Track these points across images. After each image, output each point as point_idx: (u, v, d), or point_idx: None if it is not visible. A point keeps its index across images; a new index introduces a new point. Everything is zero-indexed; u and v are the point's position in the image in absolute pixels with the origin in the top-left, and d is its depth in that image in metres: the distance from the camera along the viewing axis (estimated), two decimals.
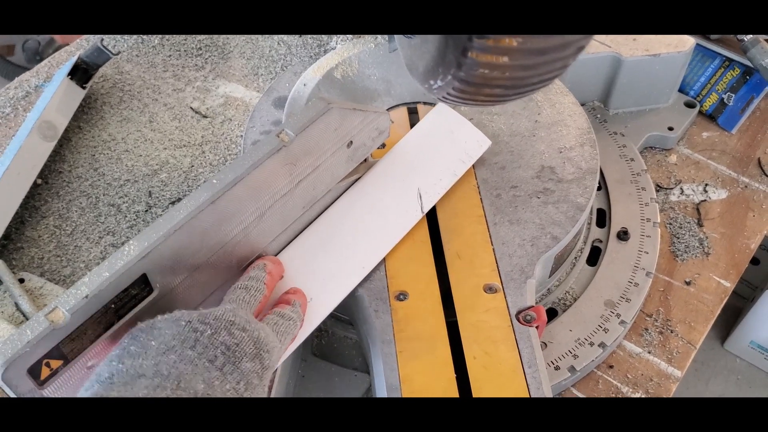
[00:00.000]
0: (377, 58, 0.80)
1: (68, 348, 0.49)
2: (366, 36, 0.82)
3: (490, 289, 0.64)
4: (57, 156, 0.88)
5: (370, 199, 0.68)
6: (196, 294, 0.58)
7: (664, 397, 0.70)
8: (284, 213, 0.62)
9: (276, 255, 0.64)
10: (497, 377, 0.59)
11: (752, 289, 1.64)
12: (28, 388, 0.48)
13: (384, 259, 0.66)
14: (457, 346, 0.61)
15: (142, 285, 0.52)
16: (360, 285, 0.64)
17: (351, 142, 0.65)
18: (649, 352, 0.73)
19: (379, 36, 0.81)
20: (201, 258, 0.56)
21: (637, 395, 0.70)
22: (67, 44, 1.04)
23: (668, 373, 0.71)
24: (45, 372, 0.49)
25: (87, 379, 0.50)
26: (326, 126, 0.61)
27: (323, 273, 0.63)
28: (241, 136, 0.90)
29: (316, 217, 0.67)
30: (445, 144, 0.72)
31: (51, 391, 0.50)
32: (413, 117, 0.78)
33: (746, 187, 0.87)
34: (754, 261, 1.62)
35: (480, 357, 0.60)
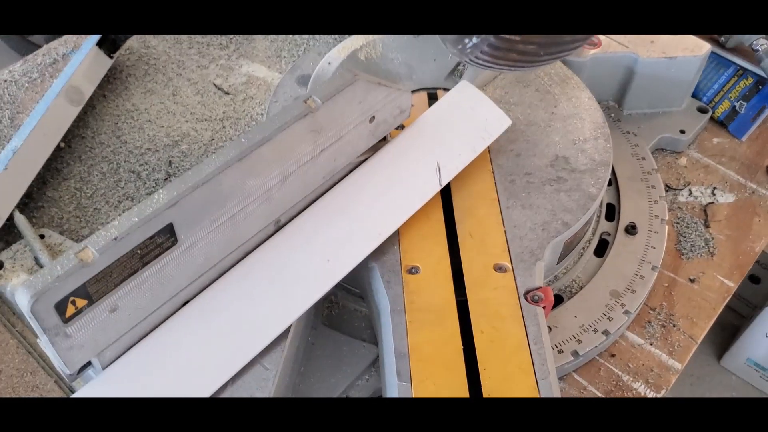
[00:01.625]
0: (401, 43, 0.82)
1: (94, 288, 0.51)
2: None
3: (500, 268, 0.66)
4: (81, 122, 0.89)
5: (390, 169, 0.69)
6: (216, 251, 0.60)
7: (664, 388, 0.71)
8: (305, 180, 0.64)
9: (293, 218, 0.66)
10: (503, 351, 0.60)
11: (751, 308, 1.66)
12: (53, 323, 0.49)
13: (398, 234, 0.68)
14: (465, 320, 0.63)
15: (167, 234, 0.54)
16: (374, 257, 0.66)
17: (373, 117, 0.67)
18: (651, 344, 0.74)
19: None
20: (224, 214, 0.58)
21: (637, 384, 0.71)
22: None
23: (669, 365, 0.73)
24: (70, 309, 0.50)
25: (108, 321, 0.52)
26: (351, 97, 0.63)
27: (341, 235, 0.65)
28: (262, 114, 0.92)
29: (334, 186, 0.68)
30: (466, 120, 0.74)
31: (74, 330, 0.51)
32: (433, 102, 0.80)
33: (753, 192, 0.88)
34: (755, 280, 1.64)
35: (487, 331, 0.62)
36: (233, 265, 0.62)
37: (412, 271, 0.66)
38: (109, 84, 0.94)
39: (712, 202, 0.87)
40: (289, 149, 0.60)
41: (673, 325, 0.76)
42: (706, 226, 0.85)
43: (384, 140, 0.72)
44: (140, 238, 0.52)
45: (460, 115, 0.74)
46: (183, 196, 0.53)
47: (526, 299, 0.64)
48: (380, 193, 0.68)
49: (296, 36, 1.02)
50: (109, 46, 0.92)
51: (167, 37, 1.02)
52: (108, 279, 0.51)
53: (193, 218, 0.55)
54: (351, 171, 0.69)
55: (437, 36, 0.55)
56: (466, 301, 0.64)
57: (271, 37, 1.02)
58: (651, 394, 0.71)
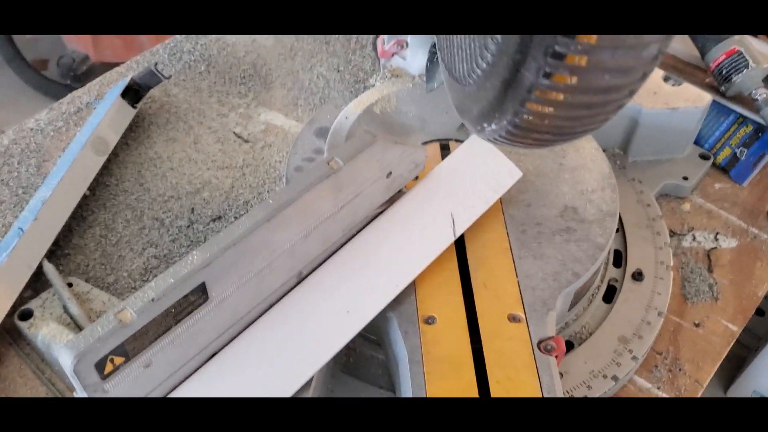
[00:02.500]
0: (414, 97, 0.85)
1: (131, 346, 0.54)
2: (404, 76, 0.88)
3: (513, 318, 0.69)
4: (105, 170, 0.93)
5: (406, 221, 0.72)
6: (242, 305, 0.62)
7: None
8: (326, 234, 0.67)
9: (314, 270, 0.69)
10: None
11: (757, 339, 1.68)
12: (93, 381, 0.52)
13: (414, 284, 0.71)
14: (481, 370, 0.65)
15: (200, 293, 0.57)
16: (391, 308, 0.68)
17: (390, 172, 0.70)
18: (659, 388, 0.77)
19: (416, 77, 0.87)
20: (251, 270, 0.61)
21: None
22: (102, 62, 1.10)
23: None
24: (109, 367, 0.53)
25: (142, 376, 0.55)
26: (370, 157, 0.66)
27: (360, 287, 0.68)
28: (280, 161, 0.95)
29: (352, 238, 0.71)
30: (478, 173, 0.77)
31: (111, 386, 0.54)
32: (445, 153, 0.83)
33: (755, 237, 0.91)
34: (760, 312, 1.66)
35: (503, 381, 0.65)
36: (257, 318, 0.65)
37: (429, 321, 0.69)
38: (132, 132, 0.98)
39: (715, 247, 0.90)
40: (312, 207, 0.63)
41: (680, 369, 0.78)
42: (710, 271, 0.88)
43: (399, 192, 0.75)
44: (175, 298, 0.55)
45: (473, 167, 0.78)
46: (216, 257, 0.56)
47: (539, 349, 0.67)
48: (397, 245, 0.71)
49: (312, 85, 1.05)
50: (132, 96, 0.96)
51: (188, 85, 1.06)
52: (144, 337, 0.54)
53: (223, 276, 0.58)
54: (368, 223, 0.72)
55: (454, 106, 0.58)
56: (481, 349, 0.67)
57: (288, 85, 1.06)
58: None
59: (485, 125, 0.49)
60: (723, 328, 0.82)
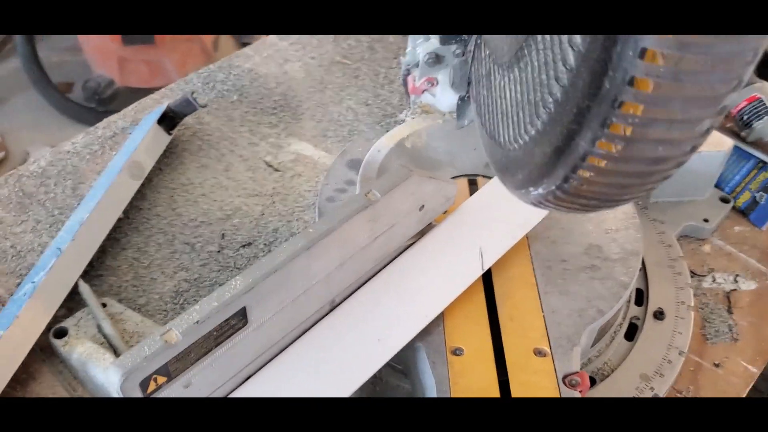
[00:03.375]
0: (444, 133, 0.88)
1: (174, 367, 0.56)
2: (434, 113, 0.91)
3: (539, 352, 0.70)
4: (138, 194, 0.95)
5: (436, 253, 0.74)
6: (278, 330, 0.64)
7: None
8: (360, 264, 0.69)
9: (346, 299, 0.70)
10: None
11: None
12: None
13: (443, 316, 0.72)
14: None
15: (240, 317, 0.59)
16: (420, 338, 0.70)
17: (423, 206, 0.72)
18: None
19: (447, 113, 0.89)
20: (289, 297, 0.62)
21: None
22: (127, 86, 1.13)
23: None
24: (152, 386, 0.55)
25: (182, 396, 0.56)
26: (405, 190, 0.68)
27: (390, 316, 0.69)
28: (309, 190, 0.97)
29: (383, 268, 0.73)
30: (506, 208, 0.79)
31: None
32: (473, 188, 0.86)
33: None
34: None
35: None
36: (291, 343, 0.67)
37: (457, 352, 0.70)
38: (165, 158, 1.01)
39: (735, 289, 0.92)
40: (349, 237, 0.65)
41: None
42: (730, 312, 0.89)
43: (429, 225, 0.77)
44: (217, 321, 0.57)
45: (501, 203, 0.80)
46: (257, 283, 0.58)
47: (564, 383, 0.68)
48: (427, 277, 0.73)
49: (341, 117, 1.08)
50: (168, 123, 0.99)
51: (220, 114, 1.09)
52: (186, 358, 0.56)
53: (263, 301, 0.60)
54: (400, 254, 0.74)
55: (494, 168, 0.59)
56: (507, 381, 0.68)
57: (318, 117, 1.09)
58: None
59: (531, 189, 0.48)
60: (743, 369, 0.83)
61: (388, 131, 0.89)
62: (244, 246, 0.91)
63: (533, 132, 0.48)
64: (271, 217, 0.94)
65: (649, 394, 0.77)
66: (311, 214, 0.94)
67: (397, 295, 0.72)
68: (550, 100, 0.45)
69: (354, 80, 1.15)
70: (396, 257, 0.74)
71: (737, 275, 0.93)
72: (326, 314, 0.69)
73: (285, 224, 0.94)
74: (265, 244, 0.91)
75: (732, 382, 0.82)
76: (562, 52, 0.42)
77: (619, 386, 0.77)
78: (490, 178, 0.86)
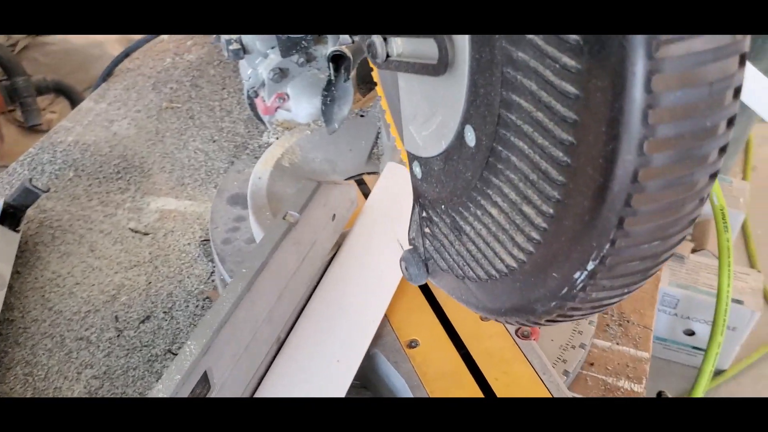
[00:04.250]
0: (316, 142, 0.86)
1: None
2: (296, 126, 0.89)
3: (484, 317, 0.71)
4: (5, 306, 0.84)
5: (360, 260, 0.73)
6: (238, 384, 0.60)
7: (643, 378, 0.79)
8: (295, 292, 0.66)
9: (291, 331, 0.67)
10: (521, 390, 0.65)
11: None
12: None
13: (386, 315, 0.71)
14: (477, 374, 0.67)
15: (204, 383, 0.54)
16: (372, 344, 0.68)
17: (334, 215, 0.70)
18: (617, 343, 0.82)
19: (311, 123, 0.88)
20: (241, 346, 0.58)
21: (621, 382, 0.78)
22: None
23: (639, 357, 0.81)
24: None
25: None
26: (318, 203, 0.66)
27: (340, 334, 0.67)
28: (189, 243, 0.91)
29: (314, 290, 0.71)
30: (405, 195, 0.79)
31: None
32: (363, 187, 0.85)
33: None
34: None
35: (500, 377, 0.67)
36: (254, 392, 0.62)
37: (412, 344, 0.69)
38: (20, 259, 0.90)
39: None
40: (280, 267, 0.62)
41: (627, 321, 0.85)
42: None
43: (341, 234, 0.75)
44: (185, 395, 0.51)
45: (399, 191, 0.79)
46: (212, 341, 0.53)
47: (519, 336, 0.70)
48: (360, 284, 0.71)
49: (192, 161, 1.03)
50: (10, 220, 0.88)
51: (62, 195, 0.99)
52: None
53: (220, 359, 0.55)
54: (324, 271, 0.72)
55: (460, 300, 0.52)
56: (469, 354, 0.68)
57: (168, 168, 1.02)
58: (636, 387, 0.78)
59: (520, 319, 0.43)
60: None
61: (257, 158, 0.86)
62: (143, 321, 0.83)
63: (515, 265, 0.41)
64: (159, 283, 0.87)
65: (585, 323, 0.80)
66: (202, 266, 0.89)
67: (339, 312, 0.69)
68: (540, 227, 0.38)
69: (190, 121, 1.10)
70: (323, 274, 0.71)
71: None
72: (276, 354, 0.65)
73: (177, 285, 0.87)
74: (165, 312, 0.84)
75: (643, 288, 0.88)
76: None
77: (558, 326, 0.80)
78: (375, 173, 0.86)
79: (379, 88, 0.59)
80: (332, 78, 0.81)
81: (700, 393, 1.15)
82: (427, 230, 0.51)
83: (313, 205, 0.64)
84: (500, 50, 0.36)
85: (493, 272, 0.43)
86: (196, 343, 0.53)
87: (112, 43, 2.10)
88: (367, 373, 0.71)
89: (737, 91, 0.32)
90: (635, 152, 0.31)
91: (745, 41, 0.31)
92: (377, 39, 0.46)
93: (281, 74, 0.89)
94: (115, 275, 0.88)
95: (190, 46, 1.25)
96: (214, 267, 0.88)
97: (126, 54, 1.23)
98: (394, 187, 0.80)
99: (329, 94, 0.82)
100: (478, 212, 0.43)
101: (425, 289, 0.74)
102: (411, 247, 0.55)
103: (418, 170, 0.50)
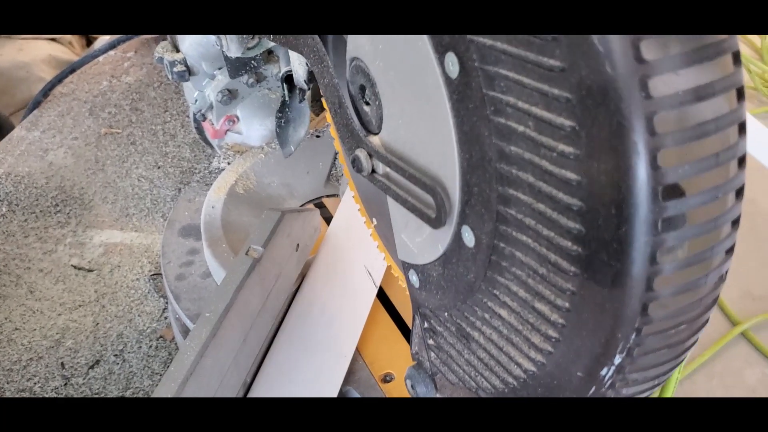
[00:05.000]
0: (271, 166, 0.82)
1: None
2: (247, 150, 0.84)
3: None
4: None
5: (326, 290, 0.69)
6: None
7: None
8: (259, 330, 0.61)
9: (257, 374, 0.62)
10: None
11: None
12: None
13: (357, 349, 0.67)
14: None
15: None
16: (345, 382, 0.64)
17: (298, 245, 0.66)
18: None
19: (264, 146, 0.83)
20: (208, 396, 0.53)
21: None
22: None
23: None
24: None
25: None
26: (281, 234, 0.62)
27: (309, 374, 0.63)
28: (137, 278, 0.86)
29: (279, 326, 0.66)
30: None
31: None
32: (323, 211, 0.81)
33: None
34: None
35: None
36: None
37: (387, 379, 0.65)
38: None
39: None
40: (246, 307, 0.57)
41: None
42: None
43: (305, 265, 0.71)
44: None
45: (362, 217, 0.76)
46: (179, 395, 0.48)
47: None
48: (327, 316, 0.67)
49: (136, 190, 0.97)
50: None
51: None
52: None
53: None
54: (289, 303, 0.68)
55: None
56: None
57: (110, 199, 0.96)
58: None
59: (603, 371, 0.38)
60: None
61: (208, 185, 0.81)
62: (92, 367, 0.77)
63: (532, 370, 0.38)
64: (107, 323, 0.81)
65: None
66: (154, 303, 0.83)
67: (306, 350, 0.65)
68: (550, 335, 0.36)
69: (132, 147, 1.04)
70: (288, 309, 0.67)
71: None
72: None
73: (127, 325, 0.81)
74: (116, 355, 0.78)
75: None
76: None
77: None
78: (335, 196, 0.82)
79: (356, 197, 0.56)
80: (286, 99, 0.77)
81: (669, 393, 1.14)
82: (431, 342, 0.47)
83: (277, 237, 0.60)
84: (490, 147, 0.34)
85: (510, 380, 0.39)
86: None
87: (38, 65, 2.00)
88: None
89: (741, 160, 0.30)
90: (651, 233, 0.29)
91: (742, 109, 0.30)
92: (361, 153, 0.44)
93: (230, 96, 0.84)
94: (59, 317, 0.82)
95: (128, 67, 1.19)
96: (166, 303, 0.83)
97: (59, 79, 1.16)
98: (356, 212, 0.76)
99: (284, 115, 0.78)
100: (486, 315, 0.40)
101: (395, 316, 0.70)
102: (415, 362, 0.51)
103: (415, 279, 0.47)
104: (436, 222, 0.40)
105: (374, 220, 0.53)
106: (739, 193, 0.31)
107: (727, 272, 0.33)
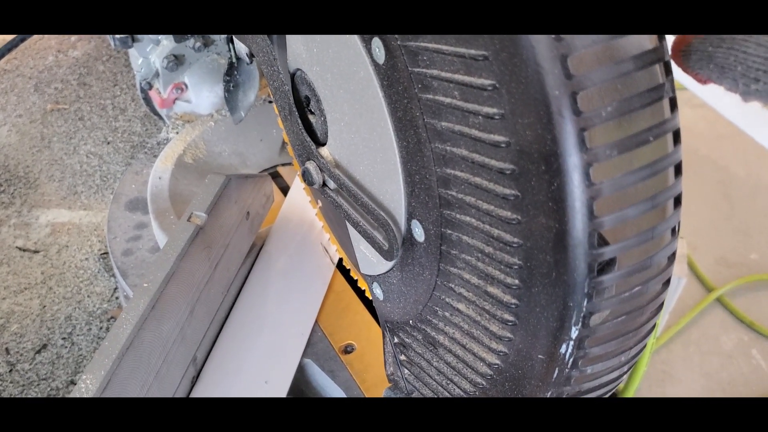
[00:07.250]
0: (222, 134, 0.78)
1: None
2: (197, 118, 0.80)
3: None
4: None
5: (282, 265, 0.65)
6: None
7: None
8: (208, 303, 0.58)
9: (210, 351, 0.59)
10: None
11: None
12: None
13: (317, 321, 0.64)
14: None
15: None
16: (304, 354, 0.61)
17: (248, 212, 0.62)
18: None
19: (214, 114, 0.79)
20: (151, 373, 0.50)
21: None
22: None
23: None
24: None
25: None
26: (228, 199, 0.58)
27: (266, 352, 0.59)
28: (86, 258, 0.81)
29: (234, 302, 0.63)
30: None
31: None
32: (278, 181, 0.77)
33: None
34: None
35: None
36: None
37: (348, 349, 0.62)
38: None
39: None
40: (189, 276, 0.53)
41: None
42: None
43: (259, 237, 0.67)
44: None
45: None
46: (112, 373, 0.45)
47: None
48: (285, 291, 0.64)
49: (85, 166, 0.92)
50: None
51: None
52: None
53: (126, 392, 0.46)
54: (243, 277, 0.64)
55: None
56: None
57: (57, 176, 0.91)
58: None
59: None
60: None
61: (156, 157, 0.77)
62: (38, 351, 0.73)
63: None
64: (55, 306, 0.77)
65: None
66: (104, 283, 0.79)
67: (263, 323, 0.61)
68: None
69: (80, 123, 0.99)
70: (243, 283, 0.63)
71: None
72: (195, 377, 0.57)
73: (76, 306, 0.77)
74: (64, 338, 0.74)
75: None
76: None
77: None
78: (290, 164, 0.78)
79: (318, 214, 0.55)
80: (234, 61, 0.73)
81: (642, 367, 1.13)
82: (402, 357, 0.47)
83: (222, 203, 0.56)
84: (424, 127, 0.33)
85: (479, 380, 0.39)
86: (92, 376, 0.44)
87: None
88: (301, 386, 0.64)
89: (677, 200, 0.30)
90: (584, 182, 0.27)
91: (678, 153, 0.29)
92: (311, 165, 0.45)
93: (177, 62, 0.80)
94: (3, 301, 0.77)
95: (75, 41, 1.13)
96: (117, 282, 0.78)
97: (1, 54, 1.10)
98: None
99: (232, 79, 0.74)
100: (447, 314, 0.40)
101: (356, 287, 0.67)
102: (391, 383, 0.50)
103: (379, 291, 0.47)
104: (388, 255, 0.40)
105: (335, 234, 0.52)
106: (677, 138, 0.30)
107: (679, 223, 0.31)
